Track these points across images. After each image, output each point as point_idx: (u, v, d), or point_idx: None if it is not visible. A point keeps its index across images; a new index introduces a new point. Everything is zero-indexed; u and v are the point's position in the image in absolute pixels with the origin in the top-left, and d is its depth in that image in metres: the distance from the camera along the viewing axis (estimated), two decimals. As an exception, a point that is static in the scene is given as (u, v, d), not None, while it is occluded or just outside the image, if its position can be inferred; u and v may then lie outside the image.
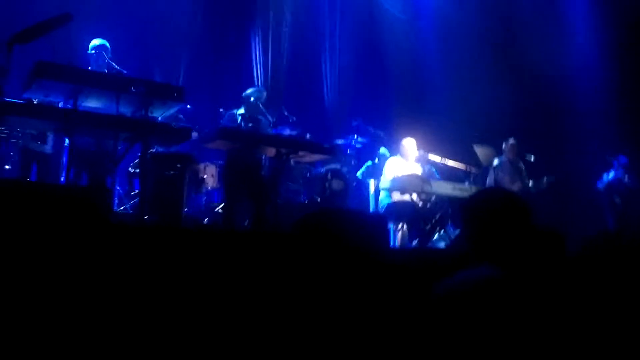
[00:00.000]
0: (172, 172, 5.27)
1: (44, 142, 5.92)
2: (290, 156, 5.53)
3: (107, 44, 5.43)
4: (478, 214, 2.54)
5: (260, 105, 5.88)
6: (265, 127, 5.89)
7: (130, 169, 6.20)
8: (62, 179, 5.22)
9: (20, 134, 6.19)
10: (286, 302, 3.43)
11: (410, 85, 9.03)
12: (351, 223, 3.96)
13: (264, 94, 6.17)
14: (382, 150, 7.74)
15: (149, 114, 4.76)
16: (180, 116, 6.92)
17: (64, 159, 5.37)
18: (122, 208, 6.61)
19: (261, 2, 8.83)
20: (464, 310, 2.27)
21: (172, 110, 4.97)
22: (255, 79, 8.60)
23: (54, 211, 2.86)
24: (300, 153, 5.57)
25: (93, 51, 5.35)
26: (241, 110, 5.91)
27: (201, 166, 6.84)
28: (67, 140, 4.87)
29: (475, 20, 8.93)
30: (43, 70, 4.23)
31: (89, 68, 5.30)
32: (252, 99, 5.88)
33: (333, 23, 9.32)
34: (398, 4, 9.40)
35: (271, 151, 5.48)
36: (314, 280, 3.67)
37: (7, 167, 6.19)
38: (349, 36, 9.33)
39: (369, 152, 7.95)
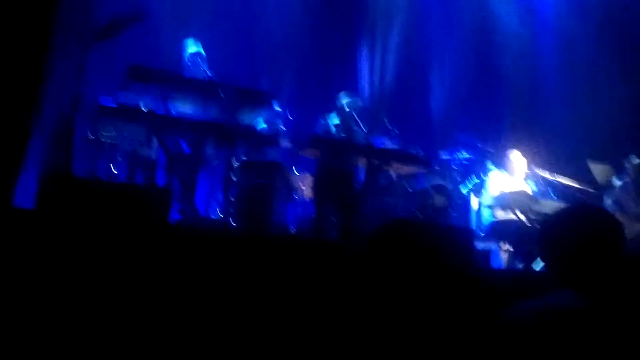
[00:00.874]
0: (260, 180, 5.20)
1: (149, 147, 6.06)
2: (383, 167, 5.32)
3: (202, 50, 5.49)
4: (562, 232, 2.23)
5: (355, 115, 5.69)
6: (359, 137, 5.70)
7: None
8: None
9: (128, 139, 6.44)
10: (355, 314, 3.23)
11: (522, 99, 8.49)
12: (430, 235, 3.68)
13: (359, 102, 5.98)
14: (491, 166, 7.30)
15: (238, 120, 4.75)
16: (282, 127, 6.89)
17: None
18: (221, 215, 6.66)
19: (370, 12, 8.69)
20: (528, 345, 1.96)
21: (261, 116, 4.92)
22: (360, 89, 8.45)
23: (111, 208, 2.86)
24: (393, 164, 5.34)
25: (189, 57, 5.43)
26: (335, 119, 5.77)
27: (299, 175, 6.76)
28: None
29: (594, 30, 8.24)
30: (135, 74, 4.34)
31: (184, 73, 5.38)
32: (346, 107, 5.72)
33: (443, 34, 8.98)
34: (515, 16, 8.92)
35: (362, 161, 5.29)
36: (386, 295, 3.42)
37: (114, 172, 6.45)
38: (459, 48, 8.94)
39: (476, 168, 7.54)
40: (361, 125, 5.66)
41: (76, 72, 3.82)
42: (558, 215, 2.27)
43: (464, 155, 7.65)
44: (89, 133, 6.36)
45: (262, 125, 6.70)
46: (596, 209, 2.33)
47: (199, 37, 6.67)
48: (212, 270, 3.17)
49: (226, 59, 7.54)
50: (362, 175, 5.68)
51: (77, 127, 6.83)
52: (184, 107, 4.78)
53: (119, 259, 2.81)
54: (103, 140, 6.35)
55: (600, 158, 6.81)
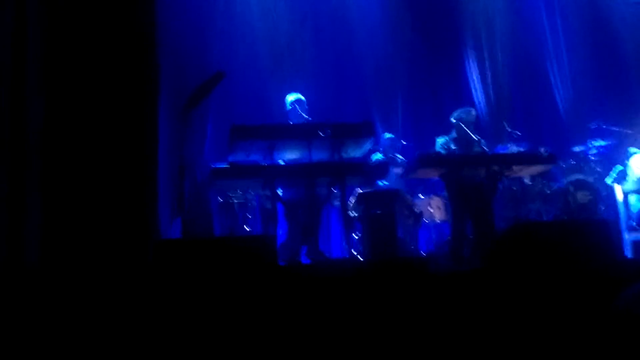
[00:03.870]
0: (380, 210, 5.14)
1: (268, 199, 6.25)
2: (505, 173, 5.07)
3: (301, 97, 5.60)
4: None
5: (463, 125, 5.50)
6: (477, 147, 5.49)
7: (349, 212, 6.24)
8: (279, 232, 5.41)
9: (254, 197, 6.72)
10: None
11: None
12: (555, 234, 3.42)
13: (473, 113, 5.79)
14: (633, 150, 6.69)
15: (345, 155, 4.77)
16: (399, 157, 6.84)
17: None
18: (355, 253, 6.68)
19: (469, 21, 8.44)
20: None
21: (367, 147, 4.89)
22: (476, 100, 8.17)
23: (227, 259, 2.98)
24: (515, 168, 5.07)
25: (290, 106, 5.57)
26: (452, 134, 5.63)
27: (424, 199, 6.64)
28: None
29: None
30: (238, 133, 4.50)
31: (289, 122, 5.52)
32: (455, 120, 5.56)
33: (552, 24, 8.47)
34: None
35: (481, 171, 5.07)
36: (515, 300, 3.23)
37: (247, 229, 6.73)
38: (574, 34, 8.36)
39: (617, 155, 6.95)
40: (473, 135, 5.44)
41: (180, 142, 4.06)
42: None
43: (600, 143, 7.11)
44: (218, 198, 6.77)
45: (378, 156, 6.70)
46: None
47: (304, 84, 6.90)
48: (343, 308, 3.16)
49: (336, 100, 7.69)
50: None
51: (209, 194, 7.28)
52: (290, 154, 4.89)
53: (238, 306, 2.90)
54: (231, 202, 6.72)
55: None
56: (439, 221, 6.66)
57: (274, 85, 7.31)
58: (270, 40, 7.67)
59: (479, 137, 5.47)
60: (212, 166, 4.83)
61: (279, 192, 5.04)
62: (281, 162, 4.97)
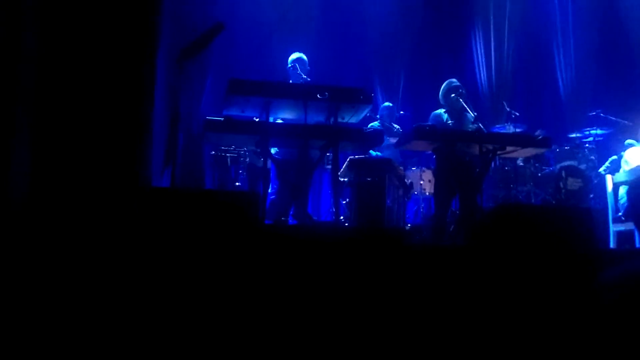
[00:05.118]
0: (370, 178, 5.14)
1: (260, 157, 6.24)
2: (498, 153, 5.05)
3: (303, 57, 5.54)
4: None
5: (461, 100, 5.46)
6: (469, 123, 5.46)
7: (340, 177, 6.25)
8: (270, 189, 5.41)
9: (247, 153, 6.70)
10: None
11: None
12: (542, 218, 3.43)
13: (454, 82, 5.75)
14: (629, 141, 6.68)
15: (340, 120, 4.73)
16: (396, 127, 6.82)
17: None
18: (341, 218, 6.71)
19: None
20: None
21: (364, 113, 4.86)
22: (478, 78, 8.12)
23: (207, 215, 2.96)
24: (509, 148, 5.04)
25: (291, 65, 5.51)
26: (444, 109, 5.59)
27: (415, 170, 6.64)
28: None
29: None
30: (235, 87, 4.45)
31: (290, 81, 5.47)
32: (452, 95, 5.52)
33: (563, 10, 8.38)
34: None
35: (474, 148, 5.05)
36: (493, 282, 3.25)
37: (237, 184, 6.74)
38: (583, 21, 8.29)
39: (613, 145, 6.95)
40: (469, 109, 5.40)
41: (175, 93, 4.01)
42: None
43: (597, 132, 7.11)
44: (212, 151, 6.76)
45: (374, 124, 6.68)
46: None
47: (307, 44, 6.83)
48: (317, 271, 3.17)
49: (338, 64, 7.62)
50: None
51: (203, 147, 7.26)
52: (286, 114, 4.86)
53: (215, 260, 2.91)
54: (224, 155, 6.71)
55: None
56: (428, 194, 6.68)
57: (277, 42, 7.23)
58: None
59: (475, 114, 5.43)
60: (206, 118, 4.81)
61: (273, 150, 5.02)
62: (277, 121, 4.96)
